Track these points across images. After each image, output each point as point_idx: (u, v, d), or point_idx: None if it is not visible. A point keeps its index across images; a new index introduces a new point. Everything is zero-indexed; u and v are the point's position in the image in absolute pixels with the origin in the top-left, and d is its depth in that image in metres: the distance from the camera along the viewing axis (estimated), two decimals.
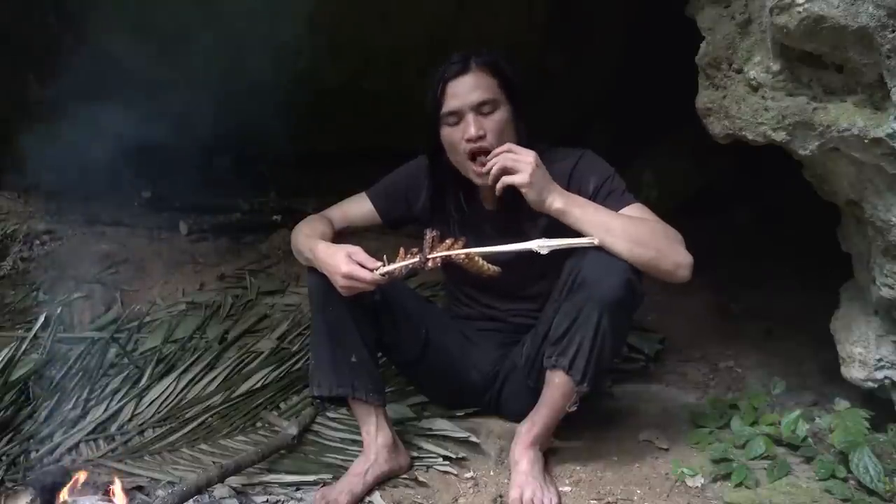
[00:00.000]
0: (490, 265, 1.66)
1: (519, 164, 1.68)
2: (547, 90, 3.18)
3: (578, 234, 1.68)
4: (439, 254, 1.63)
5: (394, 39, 3.30)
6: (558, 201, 1.69)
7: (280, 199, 3.56)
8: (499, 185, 1.70)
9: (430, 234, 1.67)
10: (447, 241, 1.68)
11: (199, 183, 3.45)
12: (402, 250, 1.67)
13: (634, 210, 1.76)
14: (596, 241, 1.60)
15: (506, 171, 1.69)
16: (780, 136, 1.74)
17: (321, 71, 3.41)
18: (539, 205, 1.70)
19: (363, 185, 2.01)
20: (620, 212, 1.75)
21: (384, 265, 1.65)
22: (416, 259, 1.63)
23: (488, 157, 1.72)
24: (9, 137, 3.34)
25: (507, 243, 1.67)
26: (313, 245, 1.78)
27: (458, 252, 1.64)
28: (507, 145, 1.72)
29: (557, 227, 1.72)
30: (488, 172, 1.73)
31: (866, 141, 1.56)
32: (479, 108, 1.75)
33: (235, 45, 3.23)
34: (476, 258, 1.65)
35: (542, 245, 1.59)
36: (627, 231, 1.68)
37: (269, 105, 3.25)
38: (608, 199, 1.78)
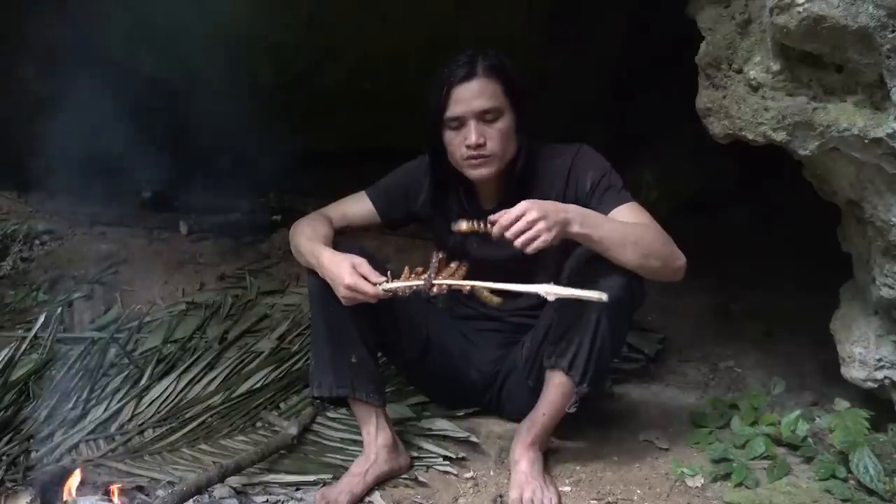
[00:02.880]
0: (493, 296, 1.67)
1: (534, 232, 1.57)
2: (547, 90, 3.17)
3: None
4: (445, 281, 1.64)
5: (394, 39, 3.30)
6: (575, 226, 1.62)
7: (280, 199, 3.56)
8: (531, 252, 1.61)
9: (436, 258, 1.66)
10: (452, 264, 1.68)
11: (199, 183, 3.46)
12: (406, 270, 1.67)
13: (629, 209, 1.76)
14: (605, 298, 1.56)
15: (528, 241, 1.59)
16: (780, 136, 1.74)
17: (321, 71, 3.41)
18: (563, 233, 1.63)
19: (363, 185, 2.01)
20: (615, 210, 1.74)
21: (388, 281, 1.65)
22: (422, 282, 1.64)
23: (494, 235, 1.62)
24: (9, 137, 3.35)
25: (506, 243, 1.65)
26: (317, 250, 1.77)
27: (464, 283, 1.64)
28: (500, 224, 1.59)
29: None
30: (487, 174, 1.77)
31: (866, 141, 1.56)
32: (483, 116, 1.75)
33: (236, 45, 3.23)
34: (482, 291, 1.65)
35: (549, 292, 1.57)
36: (638, 246, 1.65)
37: (269, 105, 3.25)
38: (605, 195, 1.78)
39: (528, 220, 1.57)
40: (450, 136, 1.79)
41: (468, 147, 1.75)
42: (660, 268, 1.69)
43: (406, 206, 1.98)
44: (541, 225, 1.57)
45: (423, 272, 1.65)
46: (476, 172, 1.79)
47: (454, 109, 1.76)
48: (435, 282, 1.63)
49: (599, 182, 1.80)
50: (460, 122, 1.77)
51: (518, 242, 1.57)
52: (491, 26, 3.13)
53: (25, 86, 3.40)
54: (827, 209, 1.99)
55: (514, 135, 1.80)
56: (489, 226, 1.61)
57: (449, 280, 1.64)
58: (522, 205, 1.59)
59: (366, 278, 1.65)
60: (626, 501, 1.79)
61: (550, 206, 1.61)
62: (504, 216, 1.59)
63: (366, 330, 1.82)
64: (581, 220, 1.62)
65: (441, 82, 1.77)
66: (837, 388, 2.04)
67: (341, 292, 1.68)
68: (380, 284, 1.65)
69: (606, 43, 3.69)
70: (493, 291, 1.66)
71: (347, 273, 1.66)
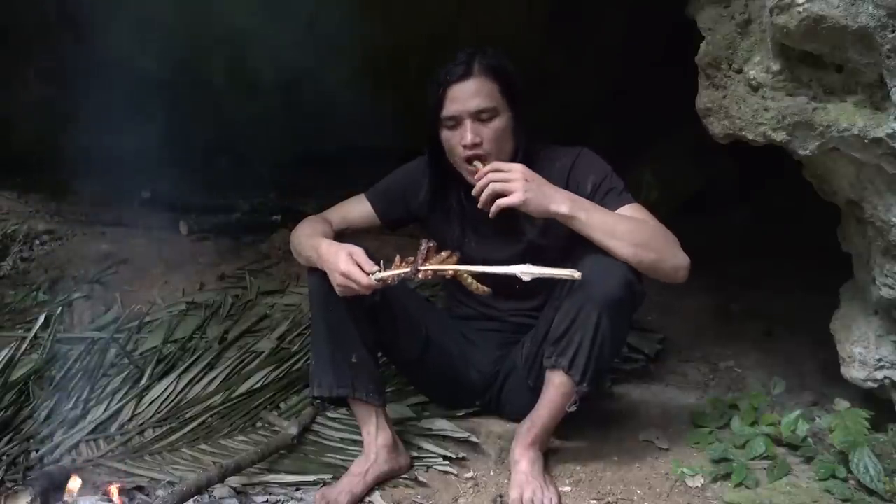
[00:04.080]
0: (480, 285, 1.68)
1: (509, 185, 1.66)
2: (547, 90, 3.18)
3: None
4: (429, 267, 1.66)
5: (395, 39, 3.31)
6: (563, 206, 1.67)
7: (280, 199, 3.56)
8: (493, 210, 1.68)
9: (425, 245, 1.69)
10: (442, 253, 1.70)
11: (199, 183, 3.46)
12: (398, 258, 1.68)
13: (632, 210, 1.76)
14: (577, 276, 1.59)
15: (498, 193, 1.67)
16: (780, 136, 1.74)
17: (320, 71, 3.42)
18: (543, 213, 1.68)
19: (363, 185, 2.01)
20: (618, 211, 1.75)
21: (381, 270, 1.67)
22: (409, 269, 1.65)
23: (478, 175, 1.71)
24: (9, 137, 3.35)
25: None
26: (316, 243, 1.78)
27: (446, 268, 1.67)
28: (493, 164, 1.70)
29: (555, 225, 1.72)
30: (481, 189, 1.74)
31: (866, 141, 1.56)
32: (478, 115, 1.75)
33: (236, 45, 3.24)
34: (466, 277, 1.67)
35: (524, 272, 1.61)
36: (632, 234, 1.68)
37: (269, 105, 3.26)
38: (606, 197, 1.78)
39: (507, 175, 1.65)
40: (447, 136, 1.80)
41: (464, 147, 1.76)
42: (656, 262, 1.69)
43: (405, 207, 1.98)
44: (516, 184, 1.64)
45: (412, 262, 1.67)
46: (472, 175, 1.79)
47: (450, 108, 1.76)
48: (420, 268, 1.65)
49: (600, 185, 1.80)
50: (456, 122, 1.77)
51: (487, 192, 1.67)
52: (491, 26, 3.15)
53: (26, 86, 3.41)
54: (827, 209, 1.99)
55: (511, 135, 1.80)
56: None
57: (432, 266, 1.66)
58: (516, 164, 1.69)
59: (360, 267, 1.66)
60: (626, 501, 1.79)
61: (540, 179, 1.68)
62: (497, 164, 1.69)
63: (366, 330, 1.83)
64: (570, 203, 1.67)
65: (438, 82, 1.78)
66: (837, 388, 2.04)
67: (336, 279, 1.69)
68: (372, 274, 1.66)
69: (606, 43, 3.70)
70: (477, 278, 1.67)
71: (343, 260, 1.67)
